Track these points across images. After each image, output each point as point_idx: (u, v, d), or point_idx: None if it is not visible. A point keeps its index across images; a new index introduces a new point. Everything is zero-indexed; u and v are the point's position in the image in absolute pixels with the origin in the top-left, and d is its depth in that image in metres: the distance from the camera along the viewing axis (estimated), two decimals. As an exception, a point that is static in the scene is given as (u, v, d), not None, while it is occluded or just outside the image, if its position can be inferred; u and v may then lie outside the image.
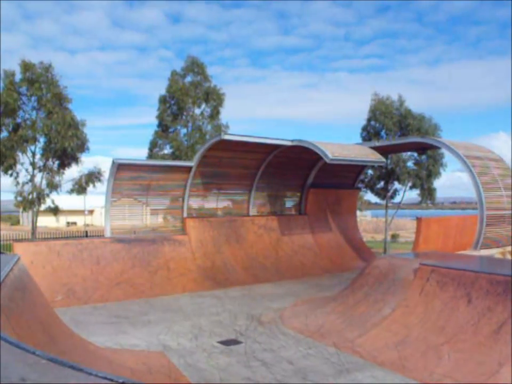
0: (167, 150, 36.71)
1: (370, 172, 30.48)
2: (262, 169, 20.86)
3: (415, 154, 29.53)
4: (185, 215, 19.13)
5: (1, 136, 28.31)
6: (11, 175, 28.95)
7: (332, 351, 9.44)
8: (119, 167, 17.26)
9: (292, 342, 10.16)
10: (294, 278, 18.21)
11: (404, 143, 20.58)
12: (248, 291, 16.03)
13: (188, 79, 36.92)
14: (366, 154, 17.63)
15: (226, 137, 17.48)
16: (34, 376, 2.50)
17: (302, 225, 21.93)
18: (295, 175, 22.62)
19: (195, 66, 36.62)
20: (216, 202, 20.92)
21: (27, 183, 29.19)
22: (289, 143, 17.78)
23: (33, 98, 28.84)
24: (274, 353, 9.32)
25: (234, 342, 10.24)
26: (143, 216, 19.15)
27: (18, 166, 29.10)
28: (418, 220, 19.21)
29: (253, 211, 21.37)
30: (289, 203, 23.59)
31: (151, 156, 35.93)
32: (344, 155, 16.49)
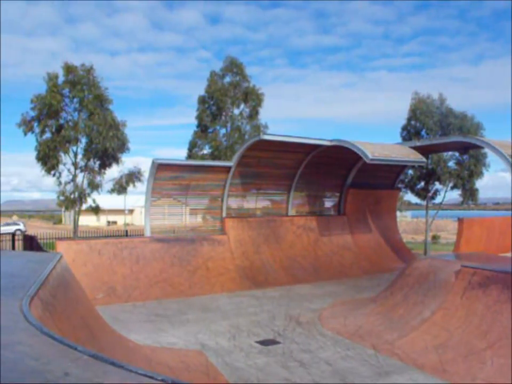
0: (206, 150, 36.89)
1: (410, 172, 30.00)
2: (301, 169, 20.79)
3: (457, 154, 28.97)
4: (224, 215, 19.21)
5: (45, 137, 28.94)
6: (54, 175, 29.54)
7: (370, 353, 9.35)
8: (159, 167, 17.43)
9: (330, 343, 10.10)
10: (332, 278, 18.09)
11: (445, 143, 20.20)
12: (286, 291, 16.01)
13: (227, 79, 37.04)
14: (406, 154, 17.40)
15: (266, 137, 17.48)
16: (76, 371, 2.55)
17: (341, 225, 21.78)
18: (334, 175, 22.48)
19: (234, 67, 36.70)
20: (255, 202, 20.94)
21: (69, 182, 29.74)
22: (328, 143, 17.69)
23: (75, 99, 29.37)
24: (313, 354, 9.29)
25: (272, 342, 10.24)
26: (183, 215, 19.29)
27: (61, 166, 29.67)
28: (460, 220, 18.92)
29: (292, 211, 21.32)
30: (328, 203, 23.46)
31: (190, 156, 36.17)
32: (384, 155, 16.31)
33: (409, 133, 30.60)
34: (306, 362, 8.75)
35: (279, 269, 18.29)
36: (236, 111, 37.18)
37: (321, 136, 23.92)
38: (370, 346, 9.72)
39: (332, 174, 22.28)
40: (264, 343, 10.15)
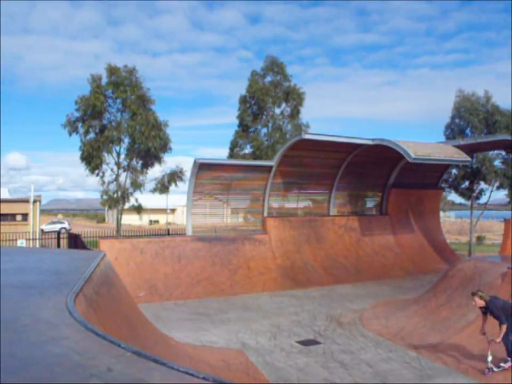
0: (247, 150, 36.95)
1: (454, 171, 29.44)
2: (342, 168, 20.65)
3: (503, 152, 28.27)
4: (265, 214, 19.22)
5: (89, 137, 29.48)
6: (97, 174, 30.07)
7: (412, 355, 9.23)
8: (201, 167, 17.55)
9: (372, 344, 10.01)
10: (374, 279, 17.92)
11: (491, 141, 19.74)
12: (327, 291, 15.93)
13: (268, 79, 37.02)
14: (450, 153, 17.08)
15: (307, 136, 17.42)
16: (119, 367, 2.59)
17: (383, 225, 21.55)
18: (376, 175, 22.25)
19: (275, 66, 36.68)
20: (296, 202, 20.89)
21: (112, 182, 30.21)
22: (370, 142, 17.52)
23: (118, 100, 29.83)
24: (353, 355, 9.22)
25: (313, 342, 10.21)
26: (224, 215, 19.36)
27: (104, 166, 30.17)
28: (506, 221, 18.46)
29: (333, 211, 21.20)
30: (370, 203, 23.23)
31: (232, 155, 36.30)
32: (427, 154, 16.06)
33: (453, 131, 30.03)
34: (347, 363, 8.69)
35: (320, 268, 18.21)
36: (277, 111, 37.12)
37: (363, 135, 23.77)
38: (412, 349, 9.59)
39: (373, 174, 22.05)
40: (305, 343, 10.13)
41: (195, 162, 17.43)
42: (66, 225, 59.49)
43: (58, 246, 28.20)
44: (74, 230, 41.29)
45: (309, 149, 18.86)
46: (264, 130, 37.27)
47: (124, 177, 30.41)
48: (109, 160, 30.27)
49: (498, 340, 8.09)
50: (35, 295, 4.86)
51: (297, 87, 36.77)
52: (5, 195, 55.74)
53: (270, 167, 18.97)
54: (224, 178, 18.47)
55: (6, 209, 42.12)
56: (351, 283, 17.24)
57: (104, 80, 29.57)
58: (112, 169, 30.42)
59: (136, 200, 30.96)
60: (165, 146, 30.08)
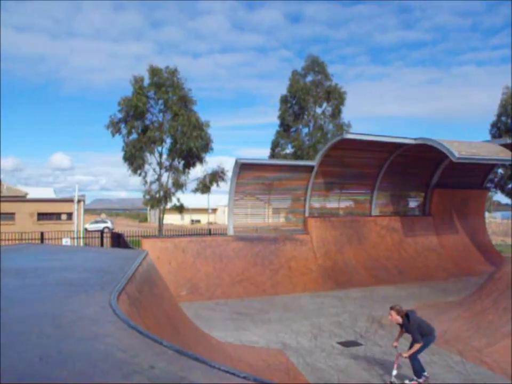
0: (288, 150, 37.02)
1: (500, 171, 28.85)
2: (384, 168, 20.43)
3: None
4: (307, 214, 19.16)
5: (131, 138, 29.97)
6: (140, 174, 30.57)
7: (456, 359, 9.05)
8: (242, 167, 17.60)
9: (414, 346, 9.84)
10: (416, 280, 17.66)
11: (540, 140, 19.21)
12: (369, 292, 15.78)
13: (309, 78, 37.02)
14: (496, 152, 16.69)
15: (348, 136, 17.30)
16: (161, 364, 2.62)
17: (426, 226, 21.21)
18: (419, 175, 21.92)
19: (315, 65, 36.62)
20: (338, 202, 20.77)
21: (154, 182, 30.67)
22: (412, 142, 17.29)
23: (160, 101, 30.28)
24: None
25: (354, 343, 10.12)
26: (265, 215, 19.38)
27: (146, 166, 30.70)
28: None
29: (375, 211, 20.99)
30: (412, 203, 22.91)
31: (273, 155, 36.37)
32: (472, 153, 15.73)
33: (499, 130, 29.42)
34: (389, 366, 8.57)
35: (362, 269, 18.05)
36: (318, 110, 37.12)
37: (405, 134, 23.45)
38: (456, 353, 9.41)
39: (416, 174, 21.72)
40: (346, 344, 10.06)
41: (236, 162, 17.49)
42: (109, 224, 60.45)
43: (102, 244, 28.69)
44: (117, 229, 41.90)
45: (351, 149, 18.73)
46: (306, 130, 37.31)
47: (166, 177, 30.86)
48: (151, 160, 30.79)
49: (406, 354, 7.86)
50: (79, 292, 4.95)
51: (338, 86, 36.68)
52: (51, 195, 57.05)
53: (312, 167, 18.90)
54: (266, 178, 18.49)
55: (51, 208, 43.11)
56: (393, 284, 17.03)
57: (146, 81, 30.03)
58: (154, 169, 30.91)
59: (178, 200, 31.33)
60: (206, 146, 30.39)
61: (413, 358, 7.99)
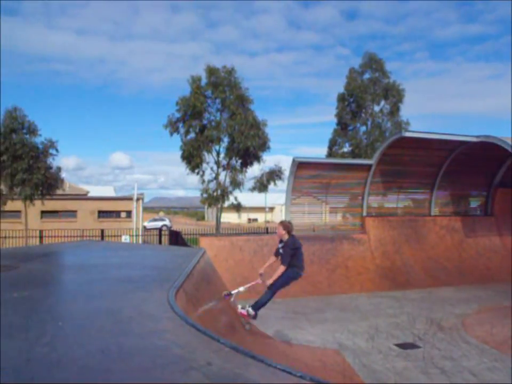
0: (346, 148, 36.74)
1: None
2: (444, 167, 19.97)
3: None
4: (364, 213, 18.95)
5: (189, 137, 30.36)
6: (197, 173, 30.93)
7: (521, 365, 8.74)
8: (299, 166, 17.57)
9: (475, 351, 9.57)
10: (478, 282, 17.18)
11: None
12: (428, 294, 15.47)
13: (366, 76, 36.62)
14: None
15: (407, 134, 17.03)
16: (218, 361, 2.65)
17: (488, 227, 20.61)
18: (481, 174, 21.30)
19: (373, 63, 36.19)
20: (396, 201, 20.47)
21: (212, 181, 30.97)
22: (474, 139, 16.85)
23: (217, 100, 30.54)
24: (455, 362, 8.85)
25: (412, 346, 9.94)
26: (322, 214, 19.30)
27: (204, 165, 31.02)
28: None
29: (434, 211, 20.56)
30: (473, 203, 22.30)
31: (330, 154, 36.18)
32: (538, 152, 15.19)
33: None
34: (448, 370, 8.36)
35: (421, 270, 17.72)
36: (376, 108, 36.67)
37: (467, 132, 22.85)
38: (520, 358, 9.08)
39: (478, 172, 21.12)
40: (404, 346, 9.88)
41: (294, 161, 17.47)
42: (167, 222, 61.45)
43: (160, 242, 29.18)
44: (175, 227, 42.54)
45: (409, 147, 18.41)
46: (363, 128, 36.93)
47: (223, 176, 31.11)
48: (209, 159, 31.11)
49: (270, 281, 8.11)
50: (138, 289, 5.06)
51: (396, 83, 36.15)
52: (111, 193, 58.53)
53: (369, 166, 18.68)
54: (323, 177, 18.40)
55: (111, 206, 44.29)
56: (453, 286, 16.63)
57: (204, 81, 30.34)
58: (211, 168, 31.23)
59: (236, 198, 31.53)
60: (263, 145, 30.46)
61: (269, 292, 8.27)
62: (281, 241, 8.53)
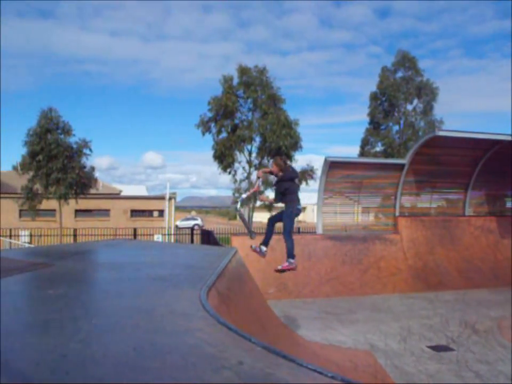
0: (378, 148, 36.48)
1: None
2: (479, 167, 19.64)
3: None
4: (397, 213, 18.77)
5: (221, 136, 30.50)
6: (229, 172, 31.06)
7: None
8: (331, 165, 17.49)
9: None
10: (514, 284, 16.86)
11: None
12: (461, 295, 15.24)
13: (399, 74, 36.29)
14: None
15: (441, 133, 16.83)
16: (249, 361, 2.65)
17: (525, 227, 20.21)
18: (517, 173, 20.90)
19: (406, 61, 35.84)
20: (429, 201, 20.23)
21: (244, 180, 31.03)
22: (510, 138, 16.56)
23: (249, 100, 30.61)
24: (491, 366, 8.68)
25: (445, 348, 9.80)
26: (354, 214, 19.18)
27: (236, 164, 31.13)
28: None
29: (469, 211, 20.24)
30: (509, 203, 21.89)
31: (362, 153, 35.96)
32: None
33: None
34: (483, 374, 8.21)
35: (454, 271, 17.46)
36: (409, 107, 36.35)
37: (504, 131, 22.42)
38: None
39: (515, 172, 20.72)
40: (437, 348, 9.76)
41: (326, 160, 17.40)
42: (199, 221, 61.88)
43: (192, 241, 29.41)
44: (207, 227, 42.83)
45: (443, 146, 18.16)
46: (396, 127, 36.63)
47: (255, 175, 31.11)
48: (241, 158, 31.20)
49: (261, 171, 9.14)
50: (171, 287, 5.09)
51: (430, 81, 35.77)
52: (143, 192, 59.15)
53: (402, 165, 18.49)
54: (355, 176, 18.29)
55: (143, 205, 44.78)
56: (487, 288, 16.35)
57: (236, 80, 30.45)
58: (243, 168, 31.31)
59: (267, 197, 31.50)
60: (295, 144, 30.45)
61: (286, 238, 8.52)
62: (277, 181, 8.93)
